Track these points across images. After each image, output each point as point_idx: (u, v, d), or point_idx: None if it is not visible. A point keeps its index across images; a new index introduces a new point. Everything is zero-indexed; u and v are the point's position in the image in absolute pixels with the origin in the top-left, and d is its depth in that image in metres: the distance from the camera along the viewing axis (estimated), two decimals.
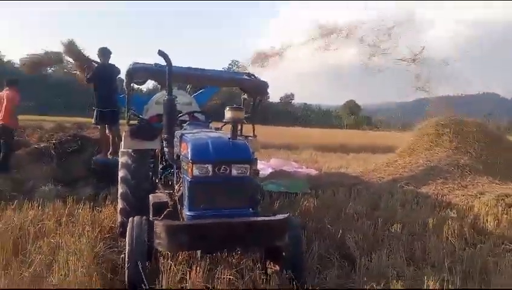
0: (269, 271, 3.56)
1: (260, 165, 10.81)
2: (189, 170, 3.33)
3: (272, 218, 3.33)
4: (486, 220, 5.22)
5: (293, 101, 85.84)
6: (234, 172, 3.38)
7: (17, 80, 7.68)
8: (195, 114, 5.58)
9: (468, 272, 3.52)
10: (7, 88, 7.40)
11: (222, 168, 3.34)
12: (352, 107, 79.57)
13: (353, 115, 77.07)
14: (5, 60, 65.74)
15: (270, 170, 9.65)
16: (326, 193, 7.06)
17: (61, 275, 3.04)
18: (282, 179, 8.20)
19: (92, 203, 5.21)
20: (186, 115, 5.10)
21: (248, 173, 3.46)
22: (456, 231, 4.64)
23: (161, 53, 3.64)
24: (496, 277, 3.34)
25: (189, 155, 3.36)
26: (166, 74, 3.70)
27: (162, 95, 6.08)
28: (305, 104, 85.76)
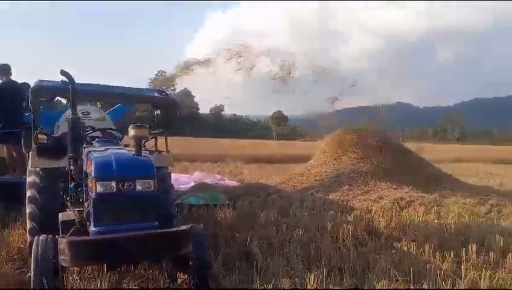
0: (179, 280, 3.79)
1: (184, 178, 11.03)
2: (93, 187, 3.48)
3: (174, 229, 3.58)
4: (379, 221, 5.89)
5: (223, 112, 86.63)
6: (138, 187, 3.59)
7: None
8: (110, 130, 5.65)
9: (352, 268, 4.03)
10: None
11: (126, 184, 3.53)
12: (279, 118, 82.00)
13: (280, 126, 79.51)
14: None
15: (192, 183, 9.85)
16: (244, 203, 7.44)
17: None
18: (203, 191, 8.44)
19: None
20: (99, 132, 5.19)
21: (152, 188, 3.69)
22: (350, 233, 5.21)
23: (63, 73, 3.79)
24: (374, 271, 3.88)
25: (93, 172, 3.51)
26: (70, 93, 3.83)
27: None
28: (235, 114, 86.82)
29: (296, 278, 3.53)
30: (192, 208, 6.99)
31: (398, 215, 6.56)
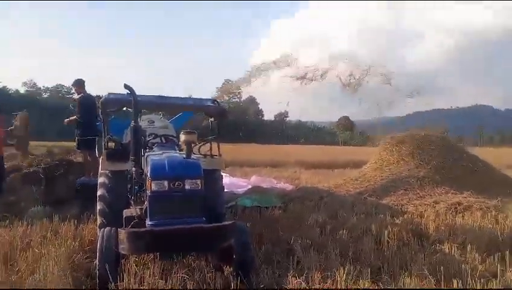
0: (226, 273, 4.19)
1: (241, 182, 11.52)
2: (149, 185, 4.02)
3: (217, 224, 3.98)
4: (428, 225, 5.85)
5: (287, 119, 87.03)
6: (187, 186, 4.07)
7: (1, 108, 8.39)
8: (171, 137, 6.25)
9: (388, 268, 4.15)
10: None
11: (176, 183, 4.02)
12: (345, 124, 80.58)
13: (348, 131, 78.07)
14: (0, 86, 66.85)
15: (249, 187, 10.28)
16: (295, 206, 7.70)
17: (41, 276, 3.65)
18: (257, 194, 8.82)
19: (75, 221, 5.82)
20: (161, 138, 5.80)
21: (200, 187, 4.14)
22: (396, 235, 5.27)
23: (126, 86, 4.40)
24: (408, 270, 3.98)
25: (149, 173, 4.05)
26: (133, 104, 4.42)
27: (140, 120, 6.81)
28: (300, 121, 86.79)
29: (328, 273, 3.74)
30: (245, 210, 7.37)
31: (452, 219, 6.43)
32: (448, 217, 6.62)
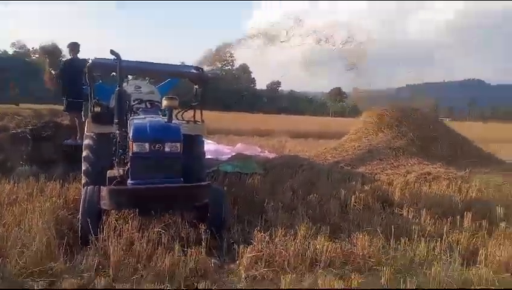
0: (200, 230, 4.54)
1: (226, 149, 11.84)
2: (131, 147, 4.31)
3: (191, 185, 4.29)
4: (392, 192, 6.25)
5: (279, 88, 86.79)
6: (167, 149, 4.37)
7: None
8: (156, 102, 6.44)
9: (345, 227, 4.56)
10: None
11: (157, 146, 4.31)
12: (337, 95, 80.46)
13: (340, 103, 78.08)
14: None
15: (233, 154, 10.59)
16: (275, 172, 8.03)
17: (26, 228, 3.95)
18: (239, 161, 9.13)
19: (61, 181, 6.09)
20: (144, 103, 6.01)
21: (179, 150, 4.43)
22: (362, 200, 5.65)
23: (112, 52, 4.59)
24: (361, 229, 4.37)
25: (131, 135, 4.32)
26: (117, 69, 4.63)
27: (127, 85, 6.99)
28: (292, 91, 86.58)
29: (291, 230, 4.11)
30: (226, 175, 7.69)
31: (418, 188, 6.83)
32: (415, 186, 7.02)
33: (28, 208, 4.65)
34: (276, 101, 76.42)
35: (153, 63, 6.21)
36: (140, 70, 6.24)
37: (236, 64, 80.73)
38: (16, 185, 5.80)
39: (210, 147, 11.80)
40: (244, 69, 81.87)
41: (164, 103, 4.74)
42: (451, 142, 10.04)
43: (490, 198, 6.18)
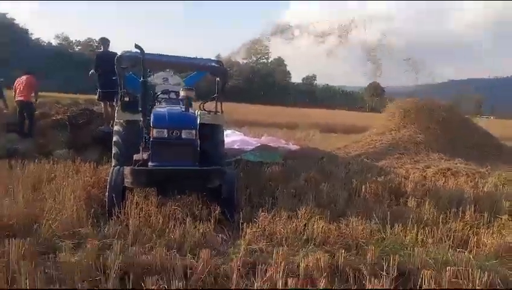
0: (213, 209, 4.95)
1: (252, 141, 12.21)
2: (152, 133, 4.77)
3: (204, 168, 4.70)
4: (406, 185, 6.41)
5: (315, 82, 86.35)
6: (183, 135, 4.80)
7: (33, 72, 9.67)
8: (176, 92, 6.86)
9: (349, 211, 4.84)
10: (27, 75, 9.36)
11: (174, 132, 4.75)
12: (375, 89, 79.01)
13: (377, 97, 76.68)
14: (33, 38, 68.90)
15: (258, 145, 10.96)
16: (293, 163, 8.34)
17: (60, 200, 4.50)
18: (262, 151, 9.50)
19: (95, 163, 6.68)
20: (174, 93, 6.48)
21: (194, 137, 4.85)
22: (372, 190, 5.88)
23: (136, 46, 5.05)
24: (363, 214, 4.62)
25: (151, 122, 4.79)
26: (141, 62, 5.09)
27: (155, 77, 7.51)
28: (327, 85, 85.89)
29: (295, 212, 4.44)
30: (247, 163, 8.07)
31: (433, 182, 6.94)
32: (432, 180, 7.13)
33: (63, 185, 5.22)
34: (310, 94, 76.10)
35: (174, 56, 6.65)
36: (163, 63, 6.69)
37: (271, 57, 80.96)
38: (54, 165, 6.43)
39: (237, 137, 12.25)
40: (279, 62, 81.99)
41: (182, 93, 5.21)
42: (477, 140, 9.98)
43: (503, 193, 6.21)
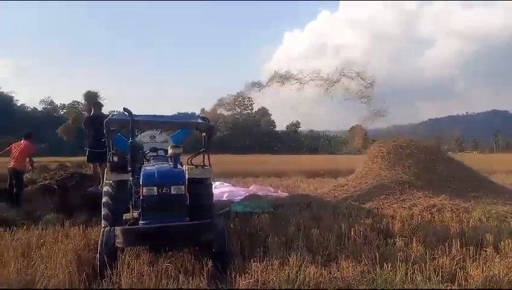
0: (205, 262, 4.97)
1: (240, 191, 12.31)
2: (141, 191, 4.88)
3: (192, 222, 4.79)
4: (393, 224, 6.54)
5: (299, 129, 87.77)
6: (173, 191, 4.92)
7: (32, 133, 9.60)
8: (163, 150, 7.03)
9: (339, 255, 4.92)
10: (24, 140, 9.39)
11: (164, 189, 4.87)
12: (358, 131, 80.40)
13: (360, 140, 77.90)
14: (19, 104, 69.75)
15: (246, 195, 11.06)
16: (282, 210, 8.44)
17: (52, 266, 4.50)
18: (251, 201, 9.60)
19: (84, 225, 6.68)
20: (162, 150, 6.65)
21: (183, 191, 4.98)
22: (361, 233, 5.98)
23: (125, 109, 5.29)
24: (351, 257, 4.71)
25: (141, 181, 4.92)
26: (130, 125, 5.30)
27: (142, 136, 7.73)
28: (312, 131, 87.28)
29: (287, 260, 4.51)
30: (237, 214, 8.14)
31: (419, 220, 7.09)
32: (418, 219, 7.29)
33: (54, 250, 5.21)
34: (296, 141, 77.19)
35: (162, 116, 6.89)
36: (151, 124, 6.91)
37: (255, 108, 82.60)
38: (44, 231, 6.41)
39: (226, 189, 12.35)
40: (264, 112, 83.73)
41: (169, 151, 5.40)
42: (456, 176, 10.22)
43: (487, 227, 6.39)
